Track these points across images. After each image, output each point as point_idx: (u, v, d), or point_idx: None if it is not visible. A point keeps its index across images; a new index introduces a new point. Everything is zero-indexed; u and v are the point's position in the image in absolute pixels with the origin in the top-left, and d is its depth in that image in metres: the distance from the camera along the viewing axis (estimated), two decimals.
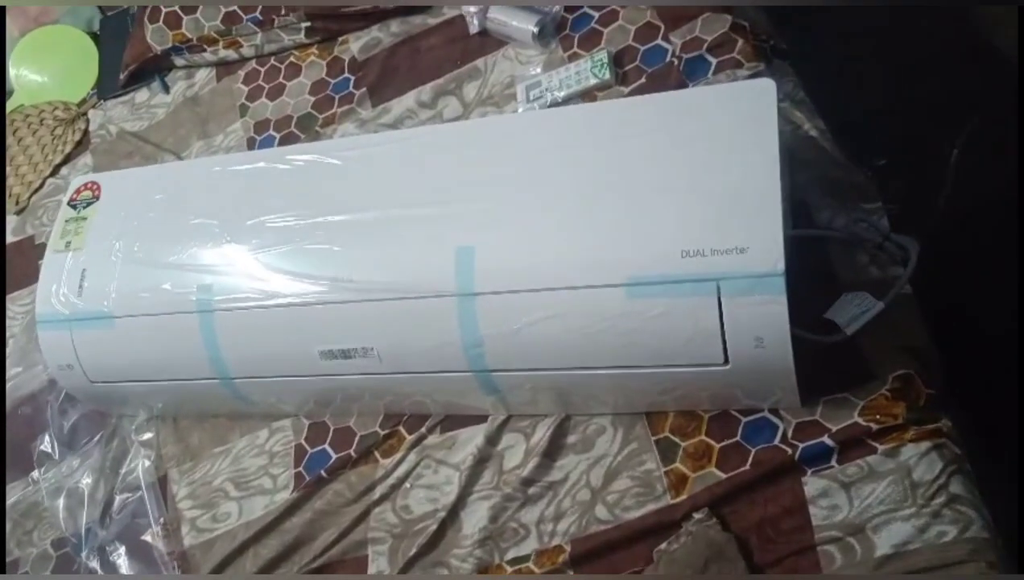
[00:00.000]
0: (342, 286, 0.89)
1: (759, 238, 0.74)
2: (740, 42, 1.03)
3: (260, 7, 1.28)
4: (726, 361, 0.78)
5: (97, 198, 1.08)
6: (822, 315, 0.85)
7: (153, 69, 1.40)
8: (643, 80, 1.06)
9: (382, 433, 0.99)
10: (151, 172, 1.15)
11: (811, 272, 0.89)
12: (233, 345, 0.96)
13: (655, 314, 0.78)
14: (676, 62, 1.05)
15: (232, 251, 0.95)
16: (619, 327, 0.80)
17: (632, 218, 0.80)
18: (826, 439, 0.81)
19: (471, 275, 0.84)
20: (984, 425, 0.87)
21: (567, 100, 1.09)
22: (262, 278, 0.92)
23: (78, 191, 1.09)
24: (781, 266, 0.73)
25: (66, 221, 1.08)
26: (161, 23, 1.35)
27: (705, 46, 1.04)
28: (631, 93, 1.06)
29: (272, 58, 1.32)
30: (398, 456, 0.97)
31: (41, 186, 1.40)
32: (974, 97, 1.33)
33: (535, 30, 1.14)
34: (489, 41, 1.19)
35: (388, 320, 0.88)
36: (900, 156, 1.38)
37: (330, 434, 1.02)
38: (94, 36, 1.51)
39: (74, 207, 1.08)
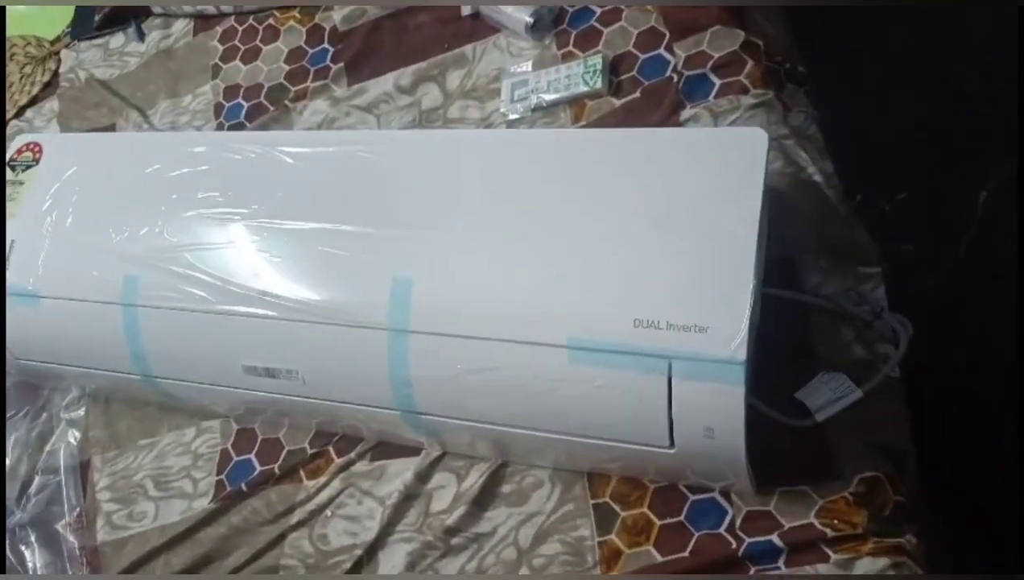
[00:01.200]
0: (270, 301, 0.81)
1: (722, 319, 0.65)
2: (750, 63, 0.92)
3: None
4: (671, 445, 0.70)
5: (37, 162, 1.00)
6: (791, 392, 0.77)
7: (130, 14, 1.31)
8: (637, 94, 0.95)
9: (310, 451, 0.92)
10: (97, 140, 1.08)
11: (787, 339, 0.80)
12: (156, 344, 0.89)
13: (598, 384, 0.69)
14: (676, 78, 0.93)
15: (165, 244, 0.88)
16: (559, 391, 0.72)
17: (587, 271, 0.71)
18: (775, 538, 0.73)
19: (406, 310, 0.76)
20: (958, 534, 0.79)
21: (552, 104, 0.98)
22: (190, 279, 0.85)
23: (19, 151, 1.02)
24: (742, 355, 0.64)
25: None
26: None
27: (710, 64, 0.93)
28: (622, 107, 0.95)
29: (251, 17, 1.22)
30: (323, 480, 0.90)
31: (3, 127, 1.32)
32: (1014, 137, 1.20)
33: (530, 20, 1.03)
34: (481, 26, 1.08)
35: (314, 344, 0.80)
36: (924, 192, 1.28)
37: (257, 444, 0.95)
38: None
39: (13, 168, 1.01)
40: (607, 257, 0.71)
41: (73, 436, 1.04)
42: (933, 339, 0.83)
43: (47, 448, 1.05)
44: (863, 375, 0.76)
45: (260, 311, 0.81)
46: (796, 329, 0.81)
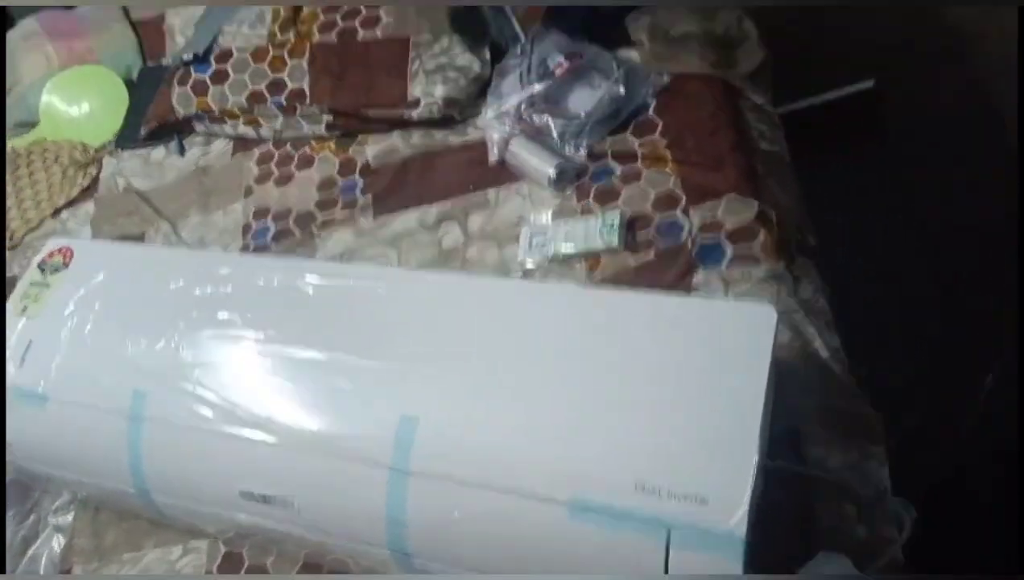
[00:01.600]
0: (274, 428, 0.81)
1: (724, 491, 0.65)
2: (762, 234, 0.95)
3: (285, 96, 1.25)
4: None
5: (66, 266, 1.03)
6: (790, 566, 0.75)
7: (174, 129, 1.37)
8: (652, 256, 0.98)
9: None
10: (127, 251, 1.11)
11: (789, 511, 0.79)
12: (156, 460, 0.88)
13: (595, 543, 0.69)
14: (690, 243, 0.97)
15: (178, 362, 0.89)
16: (555, 547, 0.71)
17: (593, 429, 0.72)
18: None
19: (409, 450, 0.76)
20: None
21: (569, 256, 1.02)
22: (199, 399, 0.86)
23: (50, 254, 1.05)
24: (743, 530, 0.64)
25: (31, 284, 1.03)
26: (188, 88, 1.32)
27: (724, 232, 0.97)
28: (637, 266, 0.98)
29: (288, 144, 1.28)
30: None
31: (38, 226, 1.37)
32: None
33: (552, 174, 1.08)
34: (505, 174, 1.13)
35: (314, 476, 0.80)
36: (931, 369, 1.29)
37: (244, 569, 0.93)
38: (130, 84, 1.49)
39: (42, 270, 1.04)
40: (613, 417, 0.72)
41: (58, 542, 1.03)
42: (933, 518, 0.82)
43: (29, 553, 1.03)
44: (865, 557, 0.75)
45: (263, 437, 0.82)
46: (799, 500, 0.80)
